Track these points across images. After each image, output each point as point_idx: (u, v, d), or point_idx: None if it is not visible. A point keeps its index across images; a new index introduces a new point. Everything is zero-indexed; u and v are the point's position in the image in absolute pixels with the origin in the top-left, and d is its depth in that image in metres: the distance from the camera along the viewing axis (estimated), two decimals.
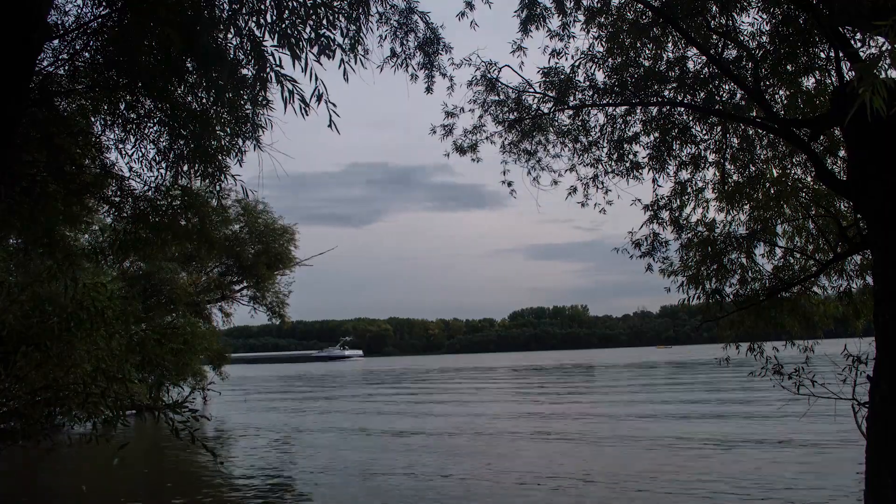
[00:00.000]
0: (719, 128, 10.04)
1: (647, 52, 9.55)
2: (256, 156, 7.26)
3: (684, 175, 10.30)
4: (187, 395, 9.75)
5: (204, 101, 7.16)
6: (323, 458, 18.67)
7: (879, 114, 2.86)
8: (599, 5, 9.48)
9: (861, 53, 7.27)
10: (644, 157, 10.20)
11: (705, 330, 10.91)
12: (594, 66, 9.60)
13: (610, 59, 9.51)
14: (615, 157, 10.35)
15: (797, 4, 7.67)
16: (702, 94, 9.30)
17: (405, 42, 9.37)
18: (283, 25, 5.78)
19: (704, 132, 10.14)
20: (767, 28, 8.70)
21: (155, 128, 7.56)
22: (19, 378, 9.20)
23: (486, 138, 10.71)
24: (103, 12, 6.80)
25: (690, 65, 9.36)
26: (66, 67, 7.18)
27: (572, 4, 9.47)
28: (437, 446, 20.33)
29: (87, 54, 7.12)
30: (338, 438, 23.16)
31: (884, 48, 3.06)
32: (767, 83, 8.88)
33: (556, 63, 9.79)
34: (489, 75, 10.09)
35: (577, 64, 9.60)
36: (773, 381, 9.07)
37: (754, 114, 9.21)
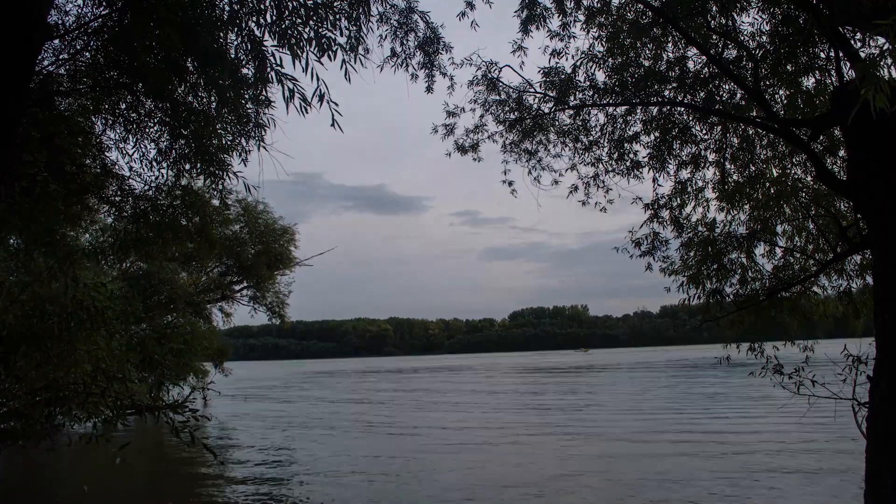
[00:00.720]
0: (719, 128, 10.04)
1: (647, 52, 9.55)
2: (255, 155, 7.26)
3: (684, 174, 10.32)
4: (188, 395, 9.76)
5: (205, 100, 7.15)
6: (323, 457, 18.69)
7: (881, 112, 2.87)
8: (599, 5, 9.48)
9: (861, 53, 7.27)
10: (644, 157, 10.22)
11: (705, 330, 10.92)
12: (594, 66, 9.60)
13: (610, 59, 9.51)
14: (616, 156, 10.36)
15: (797, 4, 7.66)
16: (702, 94, 9.30)
17: (405, 42, 9.38)
18: (283, 25, 5.78)
19: (704, 132, 10.15)
20: (767, 28, 8.71)
21: (156, 127, 7.56)
22: (19, 378, 9.20)
23: (488, 137, 10.72)
24: (104, 12, 6.79)
25: (690, 65, 9.37)
26: (67, 67, 7.17)
27: (572, 4, 9.47)
28: (436, 446, 20.34)
29: (87, 54, 7.12)
30: (338, 438, 23.17)
31: (884, 48, 3.06)
32: (767, 83, 8.88)
33: (557, 63, 9.81)
34: (490, 75, 10.10)
35: (577, 64, 9.60)
36: (773, 381, 9.08)
37: (754, 114, 9.21)
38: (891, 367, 6.10)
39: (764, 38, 8.76)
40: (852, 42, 7.36)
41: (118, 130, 7.76)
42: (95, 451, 9.67)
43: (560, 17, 9.56)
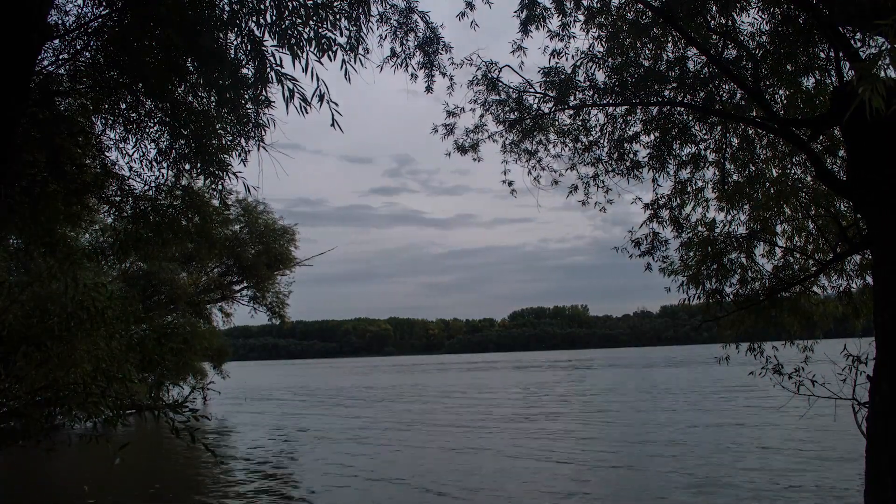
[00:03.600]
0: (719, 128, 10.05)
1: (647, 52, 9.56)
2: (255, 155, 7.26)
3: (684, 174, 10.33)
4: (187, 394, 9.75)
5: (205, 100, 7.16)
6: (322, 457, 18.69)
7: (879, 112, 2.86)
8: (599, 5, 9.48)
9: (861, 53, 7.27)
10: (644, 157, 10.23)
11: (705, 329, 10.92)
12: (594, 66, 9.60)
13: (610, 59, 9.52)
14: (615, 156, 10.37)
15: (797, 4, 7.67)
16: (702, 94, 9.30)
17: (405, 42, 9.38)
18: (284, 25, 5.78)
19: (704, 132, 10.16)
20: (767, 28, 8.71)
21: (156, 127, 7.56)
22: (19, 378, 9.20)
23: (489, 137, 10.72)
24: (104, 12, 6.80)
25: (690, 65, 9.36)
26: (67, 67, 7.18)
27: (572, 4, 9.47)
28: (429, 448, 20.35)
29: (87, 54, 7.12)
30: (337, 437, 23.17)
31: (884, 48, 3.06)
32: (767, 83, 8.89)
33: (557, 63, 9.81)
34: (490, 75, 10.10)
35: (577, 64, 9.60)
36: (773, 381, 9.09)
37: (754, 114, 9.21)
38: (891, 367, 6.10)
39: (764, 38, 8.77)
40: (852, 42, 7.36)
41: (118, 130, 7.76)
42: (95, 451, 9.68)
43: (560, 18, 9.56)
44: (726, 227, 10.12)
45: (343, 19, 6.04)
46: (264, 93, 6.58)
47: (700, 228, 10.31)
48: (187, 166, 7.67)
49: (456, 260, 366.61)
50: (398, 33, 9.27)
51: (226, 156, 7.49)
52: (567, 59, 9.75)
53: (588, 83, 9.71)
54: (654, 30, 9.16)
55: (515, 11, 9.49)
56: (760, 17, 8.77)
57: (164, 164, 7.78)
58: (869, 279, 9.43)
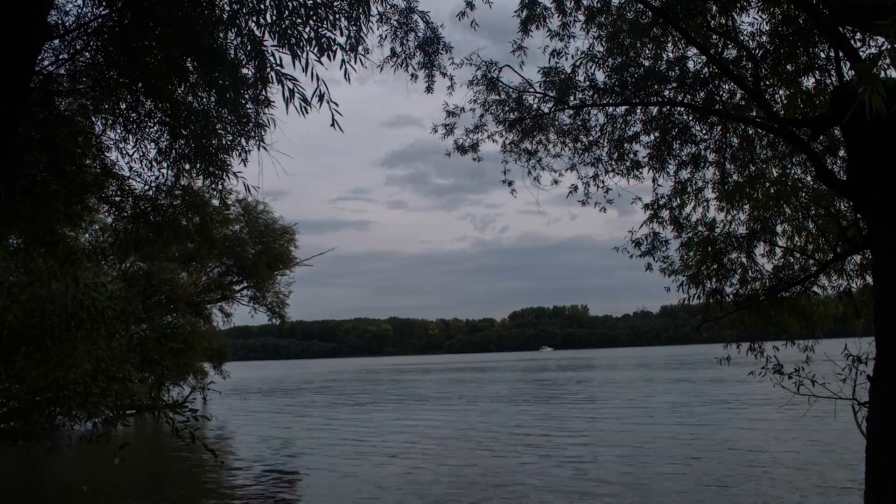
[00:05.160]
0: (719, 128, 10.04)
1: (647, 52, 9.55)
2: (255, 155, 7.25)
3: (684, 174, 10.32)
4: (188, 394, 9.76)
5: (205, 100, 7.15)
6: (322, 457, 18.69)
7: (879, 113, 2.86)
8: (599, 5, 9.47)
9: (861, 53, 7.27)
10: (644, 157, 10.22)
11: (705, 330, 10.92)
12: (594, 66, 9.59)
13: (610, 59, 9.51)
14: (615, 156, 10.36)
15: (797, 4, 7.67)
16: (702, 94, 9.30)
17: (405, 42, 9.37)
18: (283, 25, 5.78)
19: (704, 132, 10.15)
20: (767, 28, 8.71)
21: (156, 127, 7.55)
22: (19, 378, 9.22)
23: (488, 137, 10.72)
24: (104, 12, 6.80)
25: (690, 65, 9.36)
26: (67, 67, 7.17)
27: (572, 4, 9.47)
28: (426, 449, 20.36)
29: (87, 54, 7.11)
30: (336, 438, 23.17)
31: (884, 48, 3.06)
32: (767, 83, 8.89)
33: (557, 63, 9.80)
34: (490, 75, 10.09)
35: (577, 64, 9.60)
36: (773, 381, 9.08)
37: (754, 114, 9.21)
38: (891, 367, 6.10)
39: (764, 38, 8.77)
40: (852, 42, 7.36)
41: (118, 130, 7.75)
42: (95, 451, 9.68)
43: (560, 17, 9.56)
44: (726, 227, 10.11)
45: (343, 19, 6.02)
46: (264, 93, 6.58)
47: (700, 228, 10.31)
48: (187, 166, 7.65)
49: (359, 264, 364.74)
50: (398, 33, 9.26)
51: (226, 156, 7.48)
52: (567, 59, 9.75)
53: (588, 83, 9.70)
54: (654, 30, 9.15)
55: (516, 11, 9.49)
56: (760, 17, 8.77)
57: (164, 164, 7.77)
58: (869, 279, 9.43)
